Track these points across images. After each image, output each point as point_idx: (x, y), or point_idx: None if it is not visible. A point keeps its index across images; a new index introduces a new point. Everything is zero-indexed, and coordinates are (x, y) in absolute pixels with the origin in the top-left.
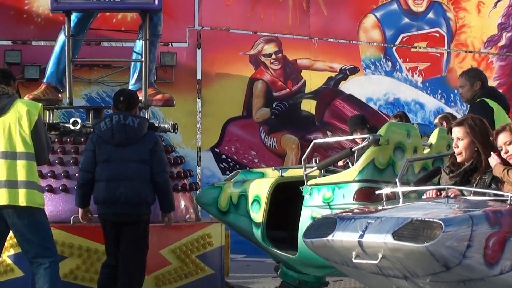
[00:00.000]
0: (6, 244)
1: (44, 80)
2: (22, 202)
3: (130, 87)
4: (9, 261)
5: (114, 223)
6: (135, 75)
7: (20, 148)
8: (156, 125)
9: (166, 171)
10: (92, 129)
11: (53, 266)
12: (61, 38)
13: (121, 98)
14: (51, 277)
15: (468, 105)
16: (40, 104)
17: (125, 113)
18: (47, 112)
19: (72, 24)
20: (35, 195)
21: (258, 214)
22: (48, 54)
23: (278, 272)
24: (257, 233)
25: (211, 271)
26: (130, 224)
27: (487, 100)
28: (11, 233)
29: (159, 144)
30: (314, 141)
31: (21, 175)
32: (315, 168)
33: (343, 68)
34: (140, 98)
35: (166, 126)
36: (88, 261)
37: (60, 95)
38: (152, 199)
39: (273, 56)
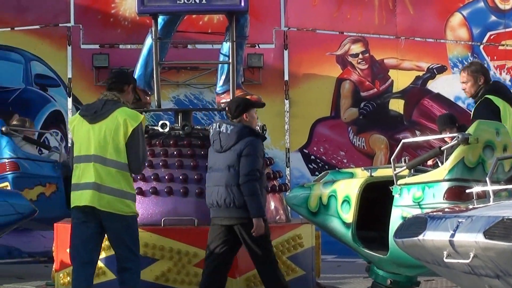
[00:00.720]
0: None
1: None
2: (103, 207)
3: (217, 89)
4: (101, 264)
5: (220, 226)
6: (223, 77)
7: (110, 155)
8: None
9: (249, 174)
10: (180, 132)
11: (137, 273)
12: (148, 41)
13: (227, 108)
14: (135, 284)
15: (474, 100)
16: (143, 116)
17: (222, 120)
18: None
19: (159, 27)
20: (118, 202)
21: (348, 214)
22: (135, 57)
23: (369, 272)
24: (348, 233)
25: (302, 272)
26: (238, 226)
27: (492, 98)
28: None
29: (250, 149)
30: (403, 140)
31: (108, 181)
32: (405, 167)
33: (430, 67)
34: (228, 100)
35: None
36: (179, 263)
37: (148, 98)
38: (240, 203)
39: (360, 56)
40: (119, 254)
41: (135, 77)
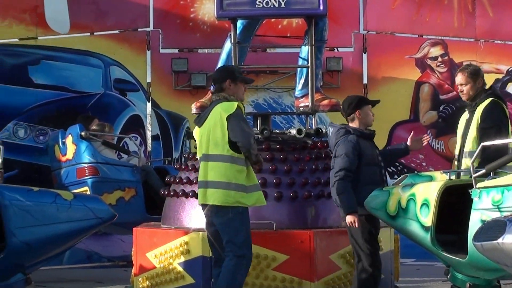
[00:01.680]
0: (176, 251)
1: (211, 88)
2: (209, 200)
3: (296, 93)
4: (179, 268)
5: None
6: (302, 81)
7: (211, 150)
8: (323, 130)
9: (334, 176)
10: (258, 136)
11: (234, 263)
12: (227, 45)
13: (340, 106)
14: (228, 273)
15: (470, 103)
16: (236, 102)
17: (330, 123)
18: None
19: (238, 31)
20: (222, 194)
21: (427, 218)
22: (214, 62)
23: (448, 276)
24: (426, 237)
25: (381, 275)
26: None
27: (499, 101)
28: (177, 241)
29: (338, 150)
30: (482, 143)
31: (210, 176)
32: (484, 171)
33: (510, 69)
34: (307, 104)
35: None
36: (258, 267)
37: None
38: (337, 203)
39: (439, 59)
40: (223, 248)
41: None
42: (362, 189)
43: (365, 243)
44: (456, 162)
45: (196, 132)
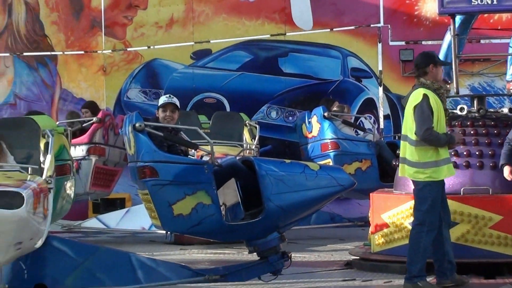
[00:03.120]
0: (407, 213)
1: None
2: (406, 174)
3: (507, 77)
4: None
5: None
6: None
7: (407, 133)
8: None
9: None
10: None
11: (416, 231)
12: (448, 37)
13: None
14: (411, 241)
15: None
16: (423, 92)
17: None
18: None
19: (456, 25)
20: (413, 171)
21: None
22: (436, 52)
23: None
24: None
25: None
26: None
27: None
28: (407, 204)
29: None
30: None
31: (407, 154)
32: None
33: None
34: None
35: None
36: (476, 226)
37: (448, 85)
38: None
39: None
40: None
41: None
42: None
43: None
44: None
45: None
